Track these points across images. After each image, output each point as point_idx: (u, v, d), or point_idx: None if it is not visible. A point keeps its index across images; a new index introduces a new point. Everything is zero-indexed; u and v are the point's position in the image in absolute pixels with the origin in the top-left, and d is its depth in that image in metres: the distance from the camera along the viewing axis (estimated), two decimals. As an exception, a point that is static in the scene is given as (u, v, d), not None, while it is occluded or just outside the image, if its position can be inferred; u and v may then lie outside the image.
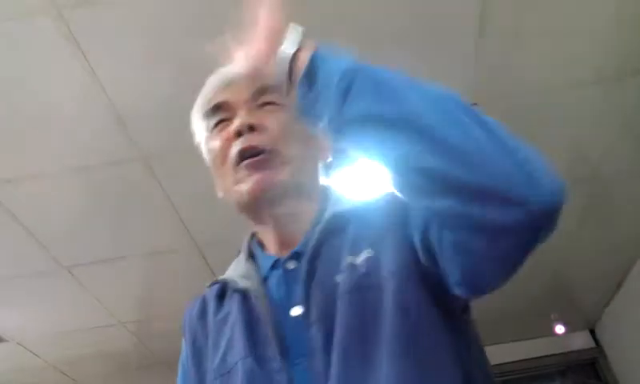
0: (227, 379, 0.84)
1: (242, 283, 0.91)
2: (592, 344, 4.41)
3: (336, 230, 0.88)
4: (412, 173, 0.67)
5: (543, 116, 2.49)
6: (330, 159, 1.01)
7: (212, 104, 0.97)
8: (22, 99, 2.10)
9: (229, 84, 0.97)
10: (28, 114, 2.16)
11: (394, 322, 0.75)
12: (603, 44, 2.20)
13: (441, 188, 0.66)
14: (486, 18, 2.05)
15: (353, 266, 0.82)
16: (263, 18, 0.77)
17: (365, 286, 0.79)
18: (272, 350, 0.81)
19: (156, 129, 2.31)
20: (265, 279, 0.91)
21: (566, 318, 4.13)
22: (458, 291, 0.74)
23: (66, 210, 2.65)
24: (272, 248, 0.95)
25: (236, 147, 0.90)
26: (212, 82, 1.00)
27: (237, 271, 0.95)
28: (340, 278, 0.82)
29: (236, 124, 0.91)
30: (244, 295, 0.90)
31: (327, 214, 0.90)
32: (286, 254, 0.91)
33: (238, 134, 0.90)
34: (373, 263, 0.81)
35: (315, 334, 0.79)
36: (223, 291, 0.96)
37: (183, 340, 0.99)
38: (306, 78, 0.74)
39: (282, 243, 0.93)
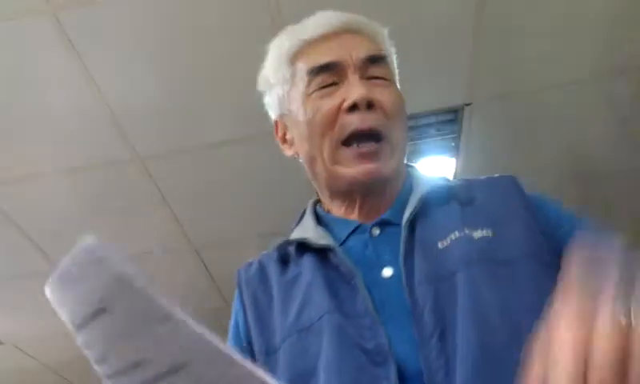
0: (306, 335, 0.79)
1: (321, 241, 0.86)
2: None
3: (435, 202, 0.86)
4: None
5: (539, 114, 2.49)
6: None
7: (320, 62, 0.88)
8: (17, 100, 2.10)
9: (327, 36, 0.90)
10: (24, 114, 2.15)
11: (531, 297, 0.72)
12: (600, 42, 2.20)
13: None
14: (483, 15, 2.05)
15: (469, 239, 0.80)
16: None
17: (491, 258, 0.77)
18: (362, 306, 0.77)
19: (152, 129, 2.30)
20: (342, 243, 0.87)
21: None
22: None
23: (62, 211, 2.64)
24: (348, 215, 0.91)
25: (350, 123, 0.84)
26: (314, 25, 0.92)
27: (308, 234, 0.89)
28: (446, 245, 0.80)
29: (354, 95, 0.84)
30: (320, 256, 0.85)
31: (421, 187, 0.88)
32: (368, 221, 0.88)
33: (353, 107, 0.84)
34: (496, 242, 0.79)
35: (424, 293, 0.76)
36: (285, 256, 0.90)
37: (238, 303, 0.92)
38: None
39: (365, 212, 0.89)
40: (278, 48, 0.94)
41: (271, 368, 0.79)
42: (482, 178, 0.95)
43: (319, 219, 0.93)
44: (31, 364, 3.86)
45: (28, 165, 2.38)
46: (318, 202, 0.98)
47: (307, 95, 0.88)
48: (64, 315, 0.51)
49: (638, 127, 2.59)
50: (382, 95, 0.87)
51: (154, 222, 2.79)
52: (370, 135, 0.84)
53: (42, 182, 2.47)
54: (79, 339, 0.51)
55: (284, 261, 0.89)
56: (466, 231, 0.80)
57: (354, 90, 0.84)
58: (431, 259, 0.79)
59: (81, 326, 0.52)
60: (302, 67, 0.90)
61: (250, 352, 0.84)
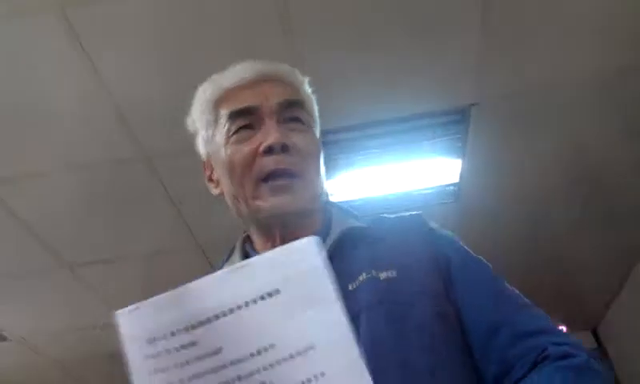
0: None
1: None
2: (594, 345, 4.40)
3: (349, 243, 0.92)
4: None
5: (543, 114, 2.48)
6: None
7: (237, 107, 0.96)
8: (24, 97, 2.10)
9: (249, 83, 0.97)
10: (30, 112, 2.16)
11: (422, 337, 0.80)
12: (604, 41, 2.19)
13: None
14: (488, 15, 2.04)
15: (375, 280, 0.86)
16: None
17: (392, 300, 0.83)
18: None
19: (158, 128, 2.31)
20: None
21: (568, 319, 4.11)
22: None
23: (68, 209, 2.65)
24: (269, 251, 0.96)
25: (266, 165, 0.91)
26: (232, 75, 0.99)
27: None
28: (355, 287, 0.85)
29: (271, 140, 0.91)
30: None
31: (339, 226, 0.94)
32: None
33: (269, 150, 0.91)
34: (398, 283, 0.85)
35: None
36: None
37: None
38: None
39: None
40: (203, 94, 1.01)
41: None
42: (393, 216, 1.02)
43: (246, 254, 0.99)
44: (36, 360, 3.88)
45: (34, 162, 2.39)
46: (247, 238, 1.03)
47: (228, 138, 0.95)
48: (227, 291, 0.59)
49: (646, 129, 2.58)
50: (296, 138, 0.93)
51: (160, 220, 2.80)
52: (284, 174, 0.91)
53: (49, 179, 2.48)
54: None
55: None
56: (374, 272, 0.87)
57: (269, 134, 0.91)
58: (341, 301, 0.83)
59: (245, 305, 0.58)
60: (223, 112, 0.97)
61: None
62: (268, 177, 0.91)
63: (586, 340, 4.41)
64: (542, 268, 3.43)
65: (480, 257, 0.95)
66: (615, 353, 4.21)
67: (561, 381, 0.77)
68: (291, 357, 0.57)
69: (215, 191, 1.02)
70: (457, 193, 2.88)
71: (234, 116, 0.95)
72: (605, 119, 2.54)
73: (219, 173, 0.99)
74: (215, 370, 0.60)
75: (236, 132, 0.95)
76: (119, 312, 0.66)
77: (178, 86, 2.17)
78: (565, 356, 0.80)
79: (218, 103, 0.99)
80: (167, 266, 3.11)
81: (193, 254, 3.05)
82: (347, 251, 0.91)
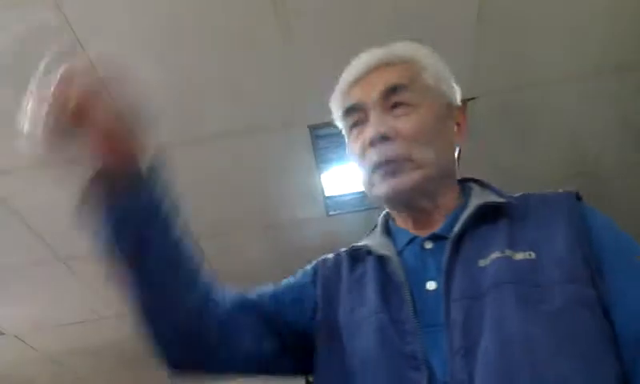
0: (354, 330, 0.90)
1: (382, 250, 0.96)
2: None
3: (485, 220, 0.92)
4: None
5: (541, 110, 2.49)
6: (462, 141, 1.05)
7: (345, 106, 1.02)
8: (20, 89, 2.09)
9: (358, 79, 1.01)
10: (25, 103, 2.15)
11: (562, 321, 0.78)
12: (603, 37, 2.19)
13: None
14: (486, 8, 2.04)
15: (509, 260, 0.84)
16: None
17: (526, 281, 0.82)
18: (406, 313, 0.86)
19: (154, 119, 2.30)
20: (399, 253, 0.96)
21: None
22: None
23: (64, 201, 2.64)
24: (408, 227, 1.01)
25: (370, 157, 0.96)
26: (347, 73, 1.03)
27: (374, 242, 1.00)
28: (486, 264, 0.85)
29: (369, 133, 0.96)
30: (380, 262, 0.95)
31: (475, 202, 0.94)
32: (423, 234, 0.96)
33: (371, 143, 0.96)
34: (536, 265, 0.83)
35: (458, 310, 0.82)
36: (357, 255, 1.01)
37: (310, 276, 1.04)
38: None
39: (419, 225, 0.99)
40: (339, 85, 1.06)
41: (330, 339, 0.92)
42: (541, 193, 0.99)
43: (388, 230, 1.04)
44: (32, 354, 3.87)
45: (30, 155, 2.38)
46: (388, 214, 1.08)
47: (348, 135, 1.04)
48: None
49: (642, 124, 2.59)
50: (401, 123, 0.96)
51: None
52: (389, 161, 0.95)
53: (44, 172, 2.47)
54: None
55: (355, 259, 1.01)
56: (507, 252, 0.85)
57: (368, 129, 0.97)
58: (470, 277, 0.85)
59: None
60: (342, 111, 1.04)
61: (309, 310, 0.99)
62: (376, 167, 0.96)
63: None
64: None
65: None
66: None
67: None
68: None
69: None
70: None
71: (345, 115, 1.03)
72: (603, 115, 2.55)
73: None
74: None
75: (351, 128, 1.02)
76: None
77: (174, 78, 2.16)
78: None
79: (342, 98, 1.04)
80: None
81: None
82: (482, 227, 0.91)
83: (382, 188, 0.96)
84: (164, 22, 1.96)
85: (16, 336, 3.66)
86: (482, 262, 0.86)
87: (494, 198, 0.95)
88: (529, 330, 0.77)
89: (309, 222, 3.04)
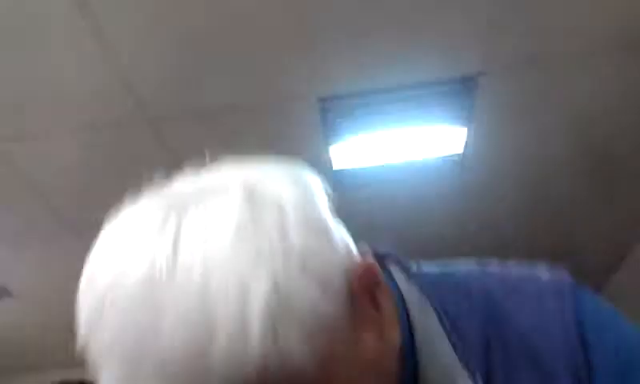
0: None
1: None
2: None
3: None
4: None
5: (554, 85, 2.46)
6: None
7: None
8: (30, 61, 2.10)
9: None
10: (36, 75, 2.16)
11: None
12: (616, 12, 2.16)
13: None
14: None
15: None
16: None
17: None
18: None
19: (164, 91, 2.30)
20: None
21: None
22: None
23: (73, 169, 2.66)
24: None
25: None
26: None
27: None
28: None
29: None
30: None
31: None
32: None
33: None
34: None
35: None
36: None
37: None
38: None
39: None
40: None
41: None
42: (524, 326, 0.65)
43: None
44: (40, 319, 3.93)
45: (42, 123, 2.39)
46: None
47: None
48: None
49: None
50: None
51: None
52: None
53: (54, 140, 2.49)
54: None
55: None
56: None
57: None
58: None
59: None
60: None
61: None
62: None
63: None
64: (546, 241, 3.43)
65: None
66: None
67: None
68: None
69: None
70: (460, 164, 2.86)
71: None
72: (614, 92, 2.52)
73: None
74: None
75: None
76: None
77: (184, 49, 2.16)
78: None
79: None
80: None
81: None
82: None
83: None
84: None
85: (26, 299, 3.71)
86: None
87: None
88: None
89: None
